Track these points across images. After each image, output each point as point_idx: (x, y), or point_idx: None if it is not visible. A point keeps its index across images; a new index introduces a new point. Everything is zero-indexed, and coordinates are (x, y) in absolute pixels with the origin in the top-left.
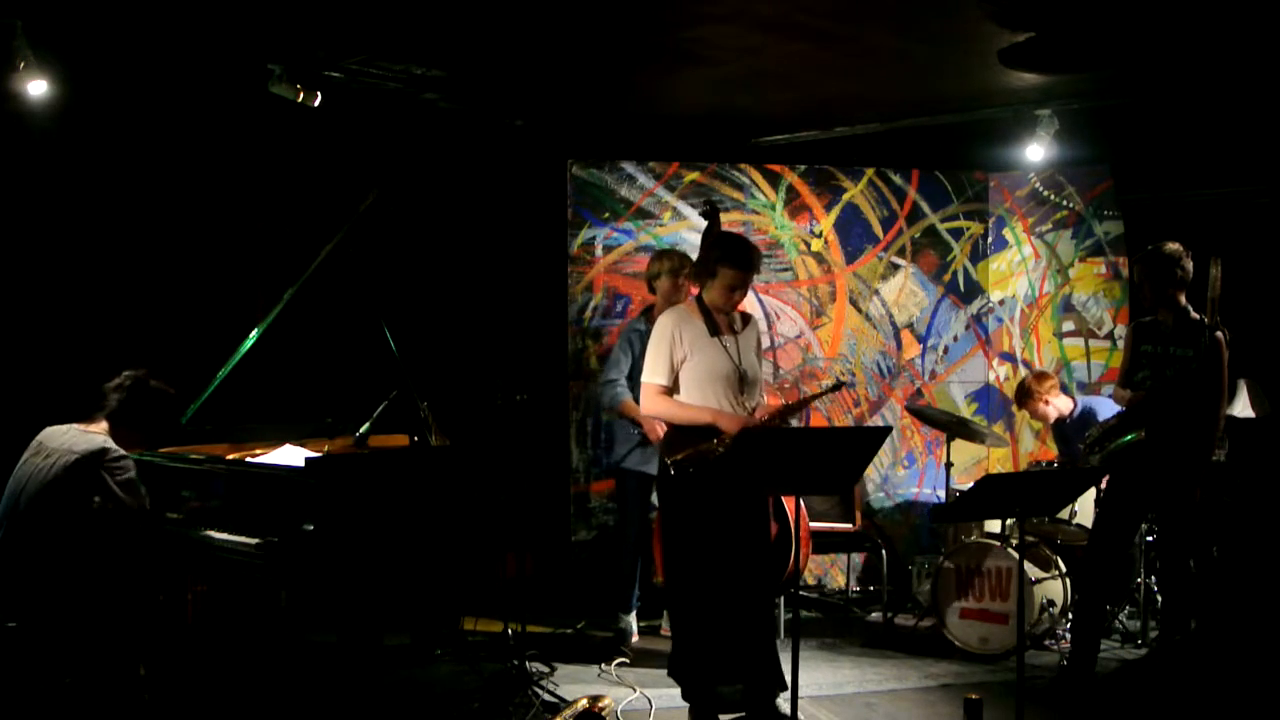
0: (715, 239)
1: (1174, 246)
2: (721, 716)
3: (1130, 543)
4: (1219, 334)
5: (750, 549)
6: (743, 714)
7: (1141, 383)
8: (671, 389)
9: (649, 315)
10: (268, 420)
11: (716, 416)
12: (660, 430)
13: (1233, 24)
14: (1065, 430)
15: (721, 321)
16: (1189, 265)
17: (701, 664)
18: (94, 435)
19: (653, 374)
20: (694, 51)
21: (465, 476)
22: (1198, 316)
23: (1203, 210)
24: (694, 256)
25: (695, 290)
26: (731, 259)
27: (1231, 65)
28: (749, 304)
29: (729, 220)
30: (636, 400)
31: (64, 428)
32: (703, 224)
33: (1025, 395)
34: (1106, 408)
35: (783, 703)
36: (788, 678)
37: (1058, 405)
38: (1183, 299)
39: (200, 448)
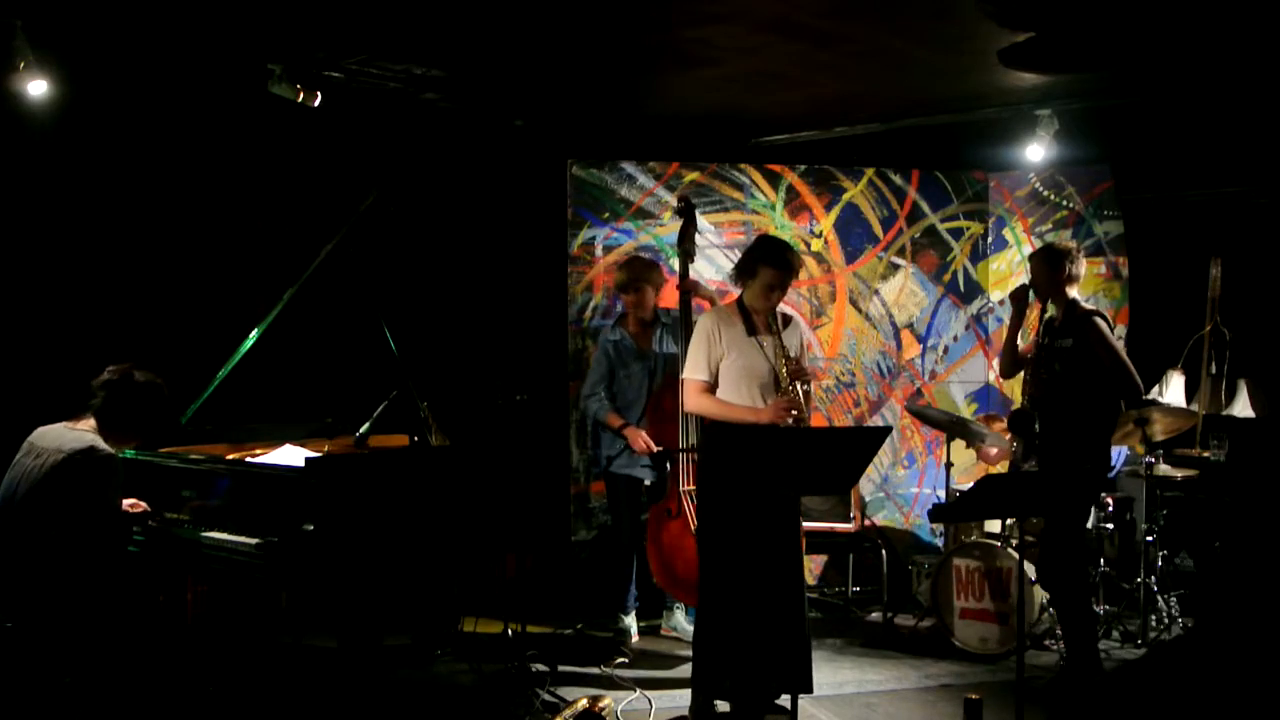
0: (755, 241)
1: (1066, 244)
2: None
3: (1079, 542)
4: (1096, 319)
5: (779, 546)
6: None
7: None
8: (713, 385)
9: (621, 323)
10: (268, 420)
11: (756, 416)
12: (644, 444)
13: (1232, 24)
14: None
15: (759, 322)
16: (1081, 263)
17: (719, 655)
18: (82, 433)
19: (694, 370)
20: (694, 51)
21: (465, 477)
22: (1086, 308)
23: (1203, 210)
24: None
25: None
26: (771, 259)
27: (1231, 65)
28: None
29: (729, 220)
30: (620, 412)
31: (54, 427)
32: (704, 225)
33: None
34: None
35: (781, 703)
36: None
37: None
38: (1072, 292)
39: (200, 448)
